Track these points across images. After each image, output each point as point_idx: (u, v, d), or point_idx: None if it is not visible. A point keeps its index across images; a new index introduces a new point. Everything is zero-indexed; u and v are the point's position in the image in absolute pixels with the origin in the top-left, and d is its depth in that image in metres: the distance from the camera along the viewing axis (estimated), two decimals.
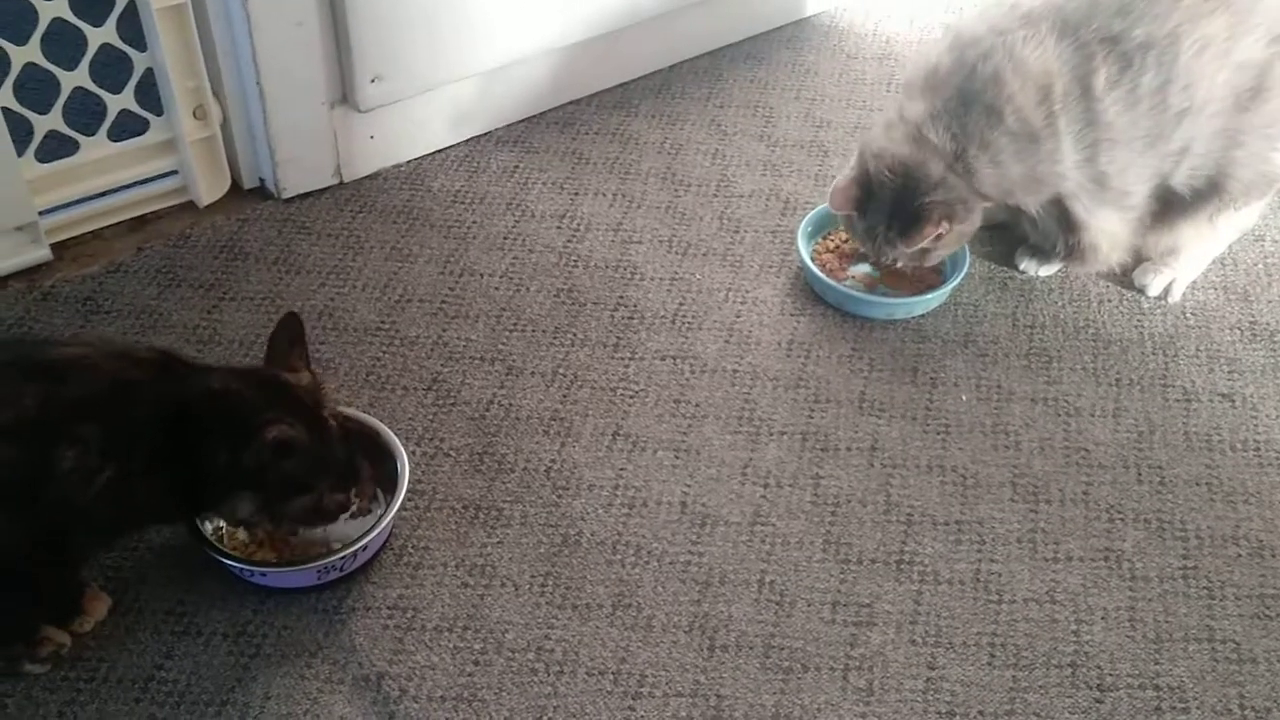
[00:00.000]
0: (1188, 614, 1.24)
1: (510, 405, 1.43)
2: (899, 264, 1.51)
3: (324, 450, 1.13)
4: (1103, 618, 1.23)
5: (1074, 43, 1.38)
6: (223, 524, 1.24)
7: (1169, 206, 1.51)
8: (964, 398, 1.46)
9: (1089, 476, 1.37)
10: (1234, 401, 1.46)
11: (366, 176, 1.74)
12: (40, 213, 1.55)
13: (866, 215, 1.48)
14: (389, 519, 1.23)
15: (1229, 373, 1.49)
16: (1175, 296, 1.58)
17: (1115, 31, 1.38)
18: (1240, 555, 1.29)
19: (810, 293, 1.59)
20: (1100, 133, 1.40)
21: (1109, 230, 1.50)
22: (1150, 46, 1.37)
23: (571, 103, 1.90)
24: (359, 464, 1.18)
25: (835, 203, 1.49)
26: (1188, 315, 1.57)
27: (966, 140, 1.40)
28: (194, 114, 1.60)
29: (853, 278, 1.59)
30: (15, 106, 1.50)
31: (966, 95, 1.39)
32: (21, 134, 1.52)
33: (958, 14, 2.13)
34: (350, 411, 1.31)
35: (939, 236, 1.44)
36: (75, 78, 1.55)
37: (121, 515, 1.11)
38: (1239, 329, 1.55)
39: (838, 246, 1.63)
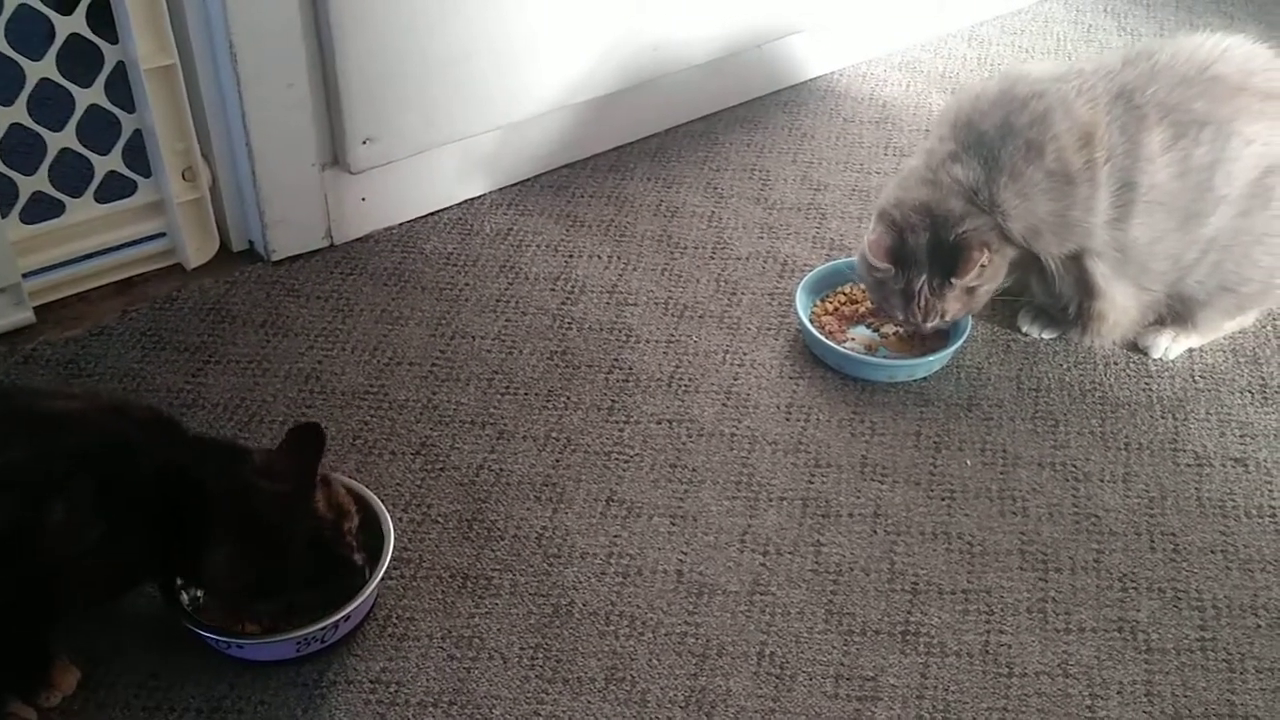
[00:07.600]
0: (1207, 688, 1.19)
1: (501, 470, 1.39)
2: (948, 317, 1.46)
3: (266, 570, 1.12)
4: (1118, 692, 1.18)
5: (1128, 104, 1.40)
6: (199, 594, 1.19)
7: (1178, 314, 1.53)
8: (969, 462, 1.42)
9: (1100, 544, 1.32)
10: (1247, 466, 1.42)
11: (357, 239, 1.72)
12: (24, 275, 1.53)
13: (905, 270, 1.43)
14: (372, 588, 1.19)
15: (1240, 436, 1.45)
16: (1173, 355, 1.56)
17: (1175, 101, 1.39)
18: (1260, 626, 1.24)
19: (809, 355, 1.56)
20: (1140, 194, 1.39)
21: (1121, 304, 1.48)
22: (1207, 123, 1.39)
23: (566, 165, 1.88)
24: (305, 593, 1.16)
25: (875, 253, 1.43)
26: (1197, 379, 1.53)
27: (998, 171, 1.39)
28: (183, 176, 1.58)
29: (853, 340, 1.56)
30: (1, 168, 1.48)
31: (1011, 127, 1.39)
32: (7, 195, 1.50)
33: (951, 78, 2.13)
34: (337, 478, 1.27)
35: (983, 267, 1.41)
36: (62, 139, 1.53)
37: (106, 574, 1.08)
38: (1249, 392, 1.51)
39: (837, 308, 1.60)
